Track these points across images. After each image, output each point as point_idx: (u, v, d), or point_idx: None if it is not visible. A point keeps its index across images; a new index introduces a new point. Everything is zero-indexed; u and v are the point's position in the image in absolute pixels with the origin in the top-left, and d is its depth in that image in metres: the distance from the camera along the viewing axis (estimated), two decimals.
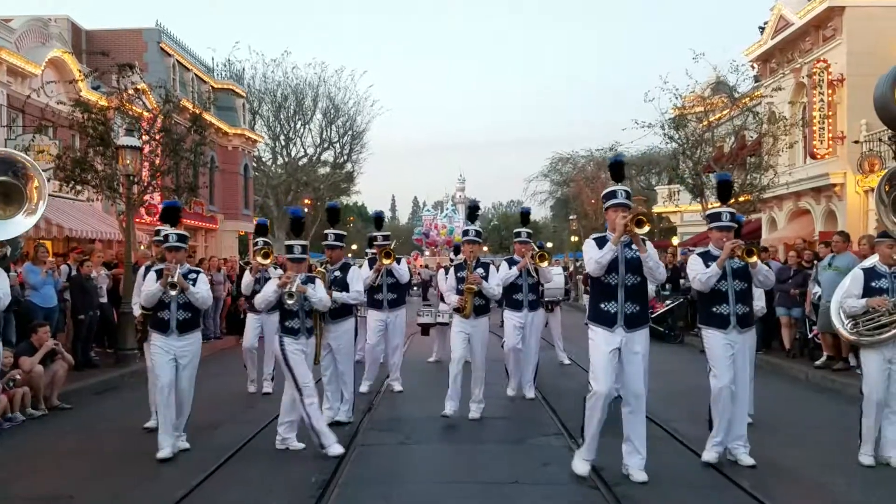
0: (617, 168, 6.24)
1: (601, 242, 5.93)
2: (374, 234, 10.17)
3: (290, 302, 6.71)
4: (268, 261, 9.55)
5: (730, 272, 6.28)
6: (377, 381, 10.01)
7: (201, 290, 6.94)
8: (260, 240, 9.96)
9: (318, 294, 6.96)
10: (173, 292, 6.73)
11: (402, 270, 10.06)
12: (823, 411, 8.84)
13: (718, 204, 6.82)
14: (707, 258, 6.38)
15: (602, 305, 5.95)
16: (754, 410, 7.44)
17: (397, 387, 9.95)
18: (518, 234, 9.31)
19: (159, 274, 6.81)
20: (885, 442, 6.26)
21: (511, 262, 9.20)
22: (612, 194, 6.02)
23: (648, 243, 5.95)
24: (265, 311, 7.86)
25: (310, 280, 7.03)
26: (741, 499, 5.53)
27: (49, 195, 6.93)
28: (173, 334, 6.82)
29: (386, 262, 9.22)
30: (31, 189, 6.41)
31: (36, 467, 6.68)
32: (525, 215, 10.08)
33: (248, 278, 9.87)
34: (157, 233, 8.02)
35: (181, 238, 7.05)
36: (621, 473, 5.95)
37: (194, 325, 7.01)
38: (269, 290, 6.89)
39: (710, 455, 6.27)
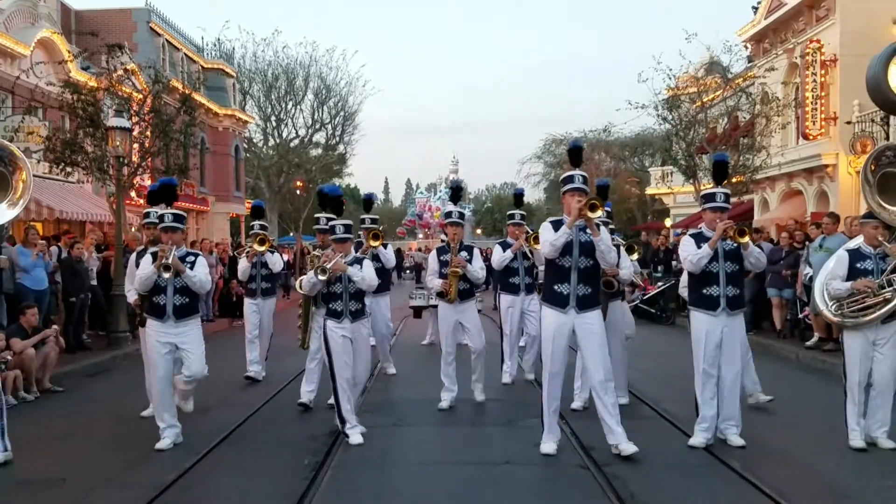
0: (575, 153, 6.38)
1: (557, 225, 6.07)
2: (363, 216, 10.11)
3: (321, 278, 6.50)
4: (263, 248, 9.51)
5: (721, 254, 6.29)
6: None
7: (199, 274, 6.53)
8: (256, 223, 9.91)
9: (362, 272, 6.68)
10: (166, 275, 6.35)
11: (388, 255, 9.98)
12: (814, 392, 8.89)
13: (712, 185, 6.82)
14: (700, 239, 6.40)
15: (556, 287, 6.10)
16: (745, 392, 7.44)
17: (391, 370, 9.96)
18: (511, 217, 9.22)
19: (155, 257, 6.47)
20: (873, 423, 6.28)
21: (504, 245, 9.05)
22: (570, 179, 6.12)
23: (602, 227, 6.10)
24: (311, 294, 7.50)
25: (357, 261, 6.79)
26: (731, 479, 5.57)
27: (39, 177, 6.83)
28: (170, 320, 6.49)
29: (373, 243, 8.89)
30: (18, 180, 6.30)
31: (28, 451, 6.63)
32: (518, 197, 9.89)
33: (244, 264, 9.80)
34: (147, 215, 7.78)
35: (177, 218, 6.64)
36: (611, 454, 5.99)
37: (192, 311, 6.66)
38: (310, 273, 6.73)
39: (696, 440, 6.31)
